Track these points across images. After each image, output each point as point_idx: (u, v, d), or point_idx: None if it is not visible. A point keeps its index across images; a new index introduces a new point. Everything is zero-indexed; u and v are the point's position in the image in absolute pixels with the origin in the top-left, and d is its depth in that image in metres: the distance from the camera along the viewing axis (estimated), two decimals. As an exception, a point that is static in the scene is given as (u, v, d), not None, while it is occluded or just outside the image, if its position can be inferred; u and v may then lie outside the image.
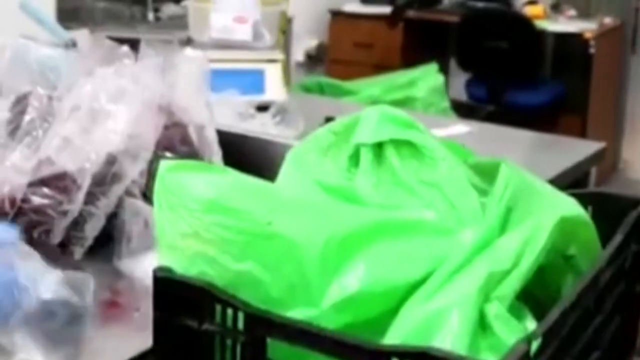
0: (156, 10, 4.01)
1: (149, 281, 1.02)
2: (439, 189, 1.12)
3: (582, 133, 4.28)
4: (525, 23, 4.50)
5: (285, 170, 1.19)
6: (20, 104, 1.52)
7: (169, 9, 3.93)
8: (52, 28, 2.33)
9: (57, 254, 1.28)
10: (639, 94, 4.97)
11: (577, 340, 1.05)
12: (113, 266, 1.36)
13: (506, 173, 1.12)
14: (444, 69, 5.08)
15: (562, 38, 4.75)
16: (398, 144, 1.14)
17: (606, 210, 1.22)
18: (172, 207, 1.00)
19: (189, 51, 1.65)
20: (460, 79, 4.94)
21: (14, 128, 1.44)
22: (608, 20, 4.71)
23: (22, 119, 1.45)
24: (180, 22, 3.20)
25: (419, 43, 4.91)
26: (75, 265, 1.27)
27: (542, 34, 4.56)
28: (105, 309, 1.25)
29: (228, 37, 2.16)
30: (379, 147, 1.15)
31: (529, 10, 4.65)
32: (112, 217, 1.40)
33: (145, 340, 1.04)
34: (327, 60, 5.13)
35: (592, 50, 4.44)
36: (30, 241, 1.27)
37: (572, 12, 4.78)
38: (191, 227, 0.99)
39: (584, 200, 1.20)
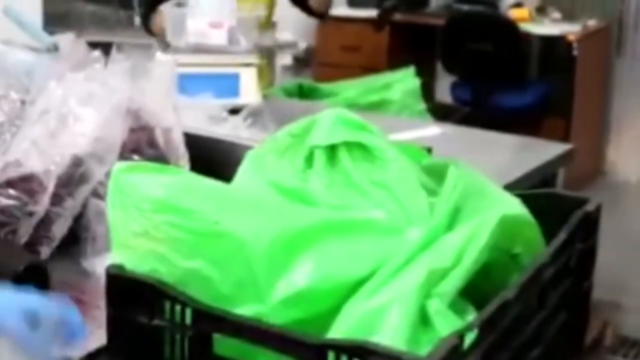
0: (143, 15, 4.05)
1: (112, 280, 1.06)
2: (389, 189, 1.15)
3: (565, 135, 4.31)
4: (510, 26, 4.53)
5: (242, 171, 1.23)
6: (-8, 108, 1.55)
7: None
8: (35, 32, 2.36)
9: (23, 253, 1.31)
10: (625, 96, 5.00)
11: (518, 335, 1.08)
12: (79, 265, 1.40)
13: (454, 174, 1.16)
14: (431, 72, 5.12)
15: (547, 40, 4.78)
16: (350, 146, 1.18)
17: (556, 209, 1.25)
18: (124, 206, 1.03)
19: (159, 55, 1.69)
20: (446, 81, 4.98)
21: (-16, 132, 1.48)
22: (592, 23, 4.74)
23: (-9, 124, 1.49)
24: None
25: (405, 46, 4.95)
26: (41, 264, 1.31)
27: (527, 36, 4.59)
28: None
29: (204, 41, 2.20)
30: (332, 149, 1.18)
31: (514, 13, 4.69)
32: (79, 218, 1.44)
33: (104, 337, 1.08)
34: (315, 63, 5.17)
35: (575, 53, 4.47)
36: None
37: (556, 14, 4.81)
38: (142, 226, 1.02)
39: (535, 200, 1.24)
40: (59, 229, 1.40)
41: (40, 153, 1.37)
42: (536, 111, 4.62)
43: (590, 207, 1.24)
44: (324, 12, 3.06)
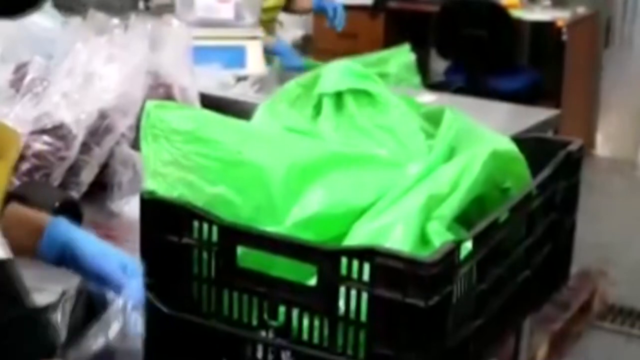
0: (146, -1, 4.14)
1: (136, 218, 1.17)
2: (391, 131, 1.27)
3: (556, 117, 4.42)
4: (502, 12, 4.65)
5: (257, 117, 1.34)
6: (20, 71, 1.67)
7: (158, -2, 4.06)
8: (47, 11, 2.47)
9: (58, 191, 1.43)
10: (612, 80, 5.12)
11: (508, 255, 1.20)
12: (106, 208, 1.52)
13: (449, 117, 1.28)
14: (425, 58, 5.22)
15: (537, 26, 4.90)
16: (356, 93, 1.30)
17: (544, 151, 1.37)
18: (155, 138, 1.15)
19: (174, 22, 1.80)
20: (440, 66, 5.09)
21: (17, 89, 1.60)
22: (581, 10, 4.87)
23: (22, 83, 1.60)
24: (169, 10, 3.32)
25: (401, 33, 5.05)
26: (75, 201, 1.43)
27: (518, 22, 4.71)
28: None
29: (212, 16, 2.32)
30: (339, 96, 1.30)
31: (506, 0, 4.81)
32: (105, 167, 1.56)
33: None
34: (313, 50, 5.28)
35: (564, 38, 4.60)
36: (32, 183, 1.43)
37: (546, 1, 4.94)
38: (172, 155, 1.14)
39: (524, 143, 1.35)
40: (87, 175, 1.52)
41: (69, 105, 1.49)
42: (527, 95, 4.73)
43: (573, 147, 1.36)
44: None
